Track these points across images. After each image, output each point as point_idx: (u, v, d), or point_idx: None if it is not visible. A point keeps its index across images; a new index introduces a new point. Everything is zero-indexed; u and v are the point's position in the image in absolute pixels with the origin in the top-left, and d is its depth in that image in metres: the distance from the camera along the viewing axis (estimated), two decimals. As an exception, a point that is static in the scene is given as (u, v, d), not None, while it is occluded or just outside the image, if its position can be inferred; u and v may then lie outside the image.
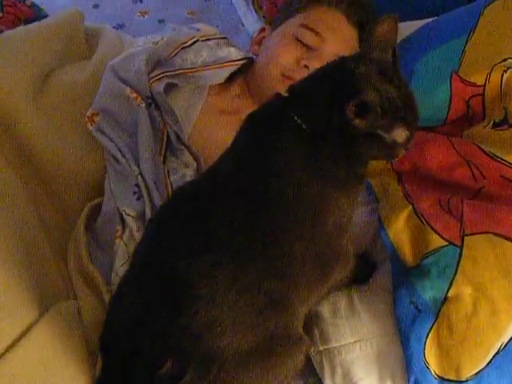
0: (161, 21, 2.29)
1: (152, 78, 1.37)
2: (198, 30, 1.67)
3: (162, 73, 1.38)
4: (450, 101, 1.09)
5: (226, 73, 1.42)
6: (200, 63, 1.42)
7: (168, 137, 1.33)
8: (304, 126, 0.89)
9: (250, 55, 1.55)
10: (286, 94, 0.95)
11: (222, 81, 1.42)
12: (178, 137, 1.33)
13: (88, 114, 1.36)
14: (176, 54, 1.44)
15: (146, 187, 1.25)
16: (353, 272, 1.01)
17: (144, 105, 1.33)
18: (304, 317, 0.95)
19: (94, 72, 1.45)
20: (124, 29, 2.26)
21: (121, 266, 1.15)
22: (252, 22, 2.13)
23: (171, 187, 1.25)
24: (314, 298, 0.97)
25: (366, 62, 0.88)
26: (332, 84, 0.89)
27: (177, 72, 1.39)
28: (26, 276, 1.00)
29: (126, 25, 2.29)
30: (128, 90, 1.35)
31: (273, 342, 0.87)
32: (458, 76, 1.08)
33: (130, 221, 1.21)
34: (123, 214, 1.22)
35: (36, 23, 1.52)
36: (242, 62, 1.47)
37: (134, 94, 1.34)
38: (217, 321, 0.81)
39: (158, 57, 1.41)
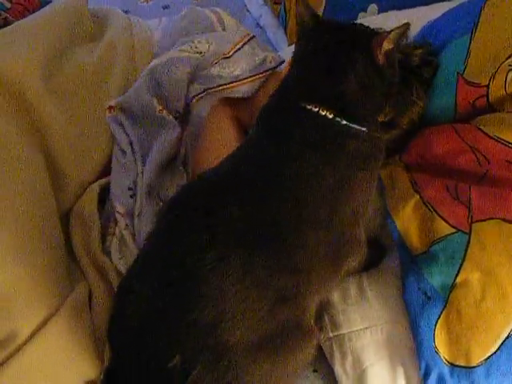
0: (165, 7, 2.27)
1: (194, 96, 1.35)
2: (217, 12, 1.67)
3: (204, 90, 1.35)
4: (456, 104, 1.09)
5: (257, 84, 1.37)
6: (238, 72, 1.37)
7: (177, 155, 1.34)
8: (319, 110, 0.91)
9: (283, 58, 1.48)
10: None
11: (254, 91, 1.37)
12: (185, 159, 1.34)
13: (111, 103, 1.37)
14: (216, 63, 1.40)
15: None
16: (364, 259, 1.02)
17: (170, 117, 1.33)
18: (315, 309, 0.95)
19: (101, 55, 1.45)
20: (128, 15, 2.24)
21: (120, 259, 1.17)
22: (257, 7, 2.11)
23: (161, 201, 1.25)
24: (327, 289, 0.97)
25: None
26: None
27: (218, 88, 1.36)
28: (42, 267, 1.00)
29: (130, 11, 2.27)
30: (155, 100, 1.34)
31: (283, 336, 0.86)
32: (464, 78, 1.07)
33: (118, 218, 1.23)
34: (114, 209, 1.24)
35: (42, 9, 1.52)
36: (275, 68, 1.42)
37: (160, 106, 1.34)
38: (226, 316, 0.81)
39: (201, 69, 1.39)
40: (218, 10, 1.70)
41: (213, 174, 0.97)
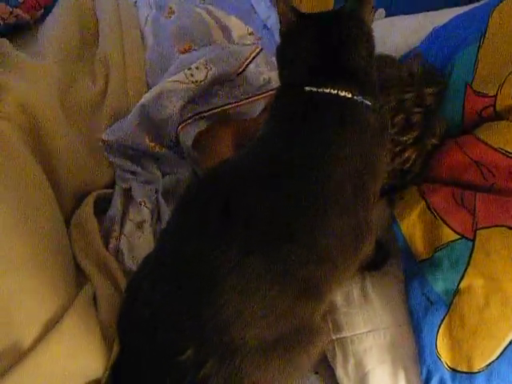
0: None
1: (184, 120, 1.30)
2: (210, 10, 1.66)
3: (197, 114, 1.31)
4: (463, 114, 1.11)
5: (262, 105, 1.34)
6: (241, 93, 1.34)
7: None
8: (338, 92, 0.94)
9: None
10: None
11: (258, 113, 1.34)
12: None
13: (104, 138, 1.37)
14: (215, 88, 1.36)
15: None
16: (373, 250, 1.01)
17: (164, 150, 1.35)
18: (327, 304, 0.95)
19: (98, 76, 1.49)
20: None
21: (132, 258, 1.18)
22: (265, 9, 2.11)
23: None
24: (345, 280, 0.97)
25: None
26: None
27: (213, 111, 1.31)
28: (44, 275, 0.99)
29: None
30: (147, 137, 1.34)
31: (296, 332, 0.86)
32: (472, 89, 1.08)
33: (146, 213, 1.24)
34: (142, 204, 1.26)
35: (53, 16, 1.55)
36: None
37: (152, 143, 1.34)
38: (245, 313, 0.80)
39: (198, 96, 1.34)
40: (209, 7, 1.69)
41: (227, 167, 0.96)
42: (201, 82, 1.32)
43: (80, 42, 1.53)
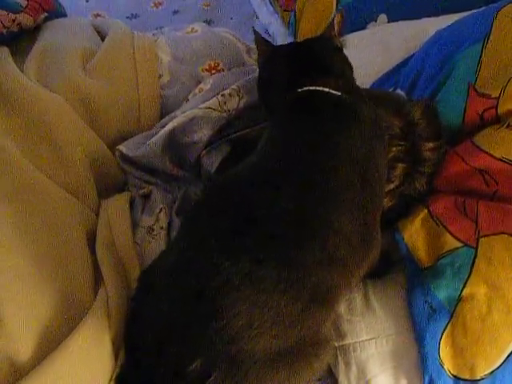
0: (175, 12, 2.28)
1: (208, 145, 1.29)
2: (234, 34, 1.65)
3: (222, 138, 1.29)
4: (464, 115, 1.11)
5: None
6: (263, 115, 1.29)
7: None
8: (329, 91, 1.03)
9: None
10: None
11: None
12: None
13: (121, 150, 1.35)
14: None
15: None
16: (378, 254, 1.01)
17: (181, 172, 1.35)
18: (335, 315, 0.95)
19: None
20: (138, 19, 2.27)
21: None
22: (267, 14, 2.12)
23: None
24: (353, 285, 0.96)
25: None
26: None
27: (239, 133, 1.29)
28: (49, 281, 0.99)
29: (140, 15, 2.29)
30: (167, 159, 1.33)
31: (303, 344, 0.85)
32: (475, 90, 1.08)
33: (164, 220, 1.24)
34: (162, 211, 1.27)
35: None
36: None
37: (172, 165, 1.34)
38: (255, 324, 0.79)
39: (227, 124, 1.31)
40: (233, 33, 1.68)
41: (235, 177, 0.96)
42: (233, 110, 1.31)
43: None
